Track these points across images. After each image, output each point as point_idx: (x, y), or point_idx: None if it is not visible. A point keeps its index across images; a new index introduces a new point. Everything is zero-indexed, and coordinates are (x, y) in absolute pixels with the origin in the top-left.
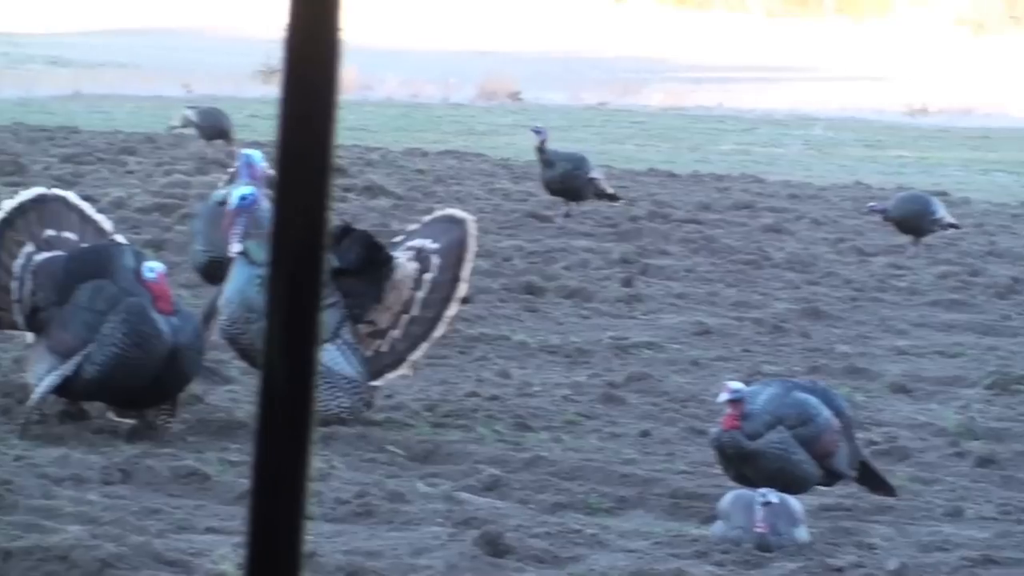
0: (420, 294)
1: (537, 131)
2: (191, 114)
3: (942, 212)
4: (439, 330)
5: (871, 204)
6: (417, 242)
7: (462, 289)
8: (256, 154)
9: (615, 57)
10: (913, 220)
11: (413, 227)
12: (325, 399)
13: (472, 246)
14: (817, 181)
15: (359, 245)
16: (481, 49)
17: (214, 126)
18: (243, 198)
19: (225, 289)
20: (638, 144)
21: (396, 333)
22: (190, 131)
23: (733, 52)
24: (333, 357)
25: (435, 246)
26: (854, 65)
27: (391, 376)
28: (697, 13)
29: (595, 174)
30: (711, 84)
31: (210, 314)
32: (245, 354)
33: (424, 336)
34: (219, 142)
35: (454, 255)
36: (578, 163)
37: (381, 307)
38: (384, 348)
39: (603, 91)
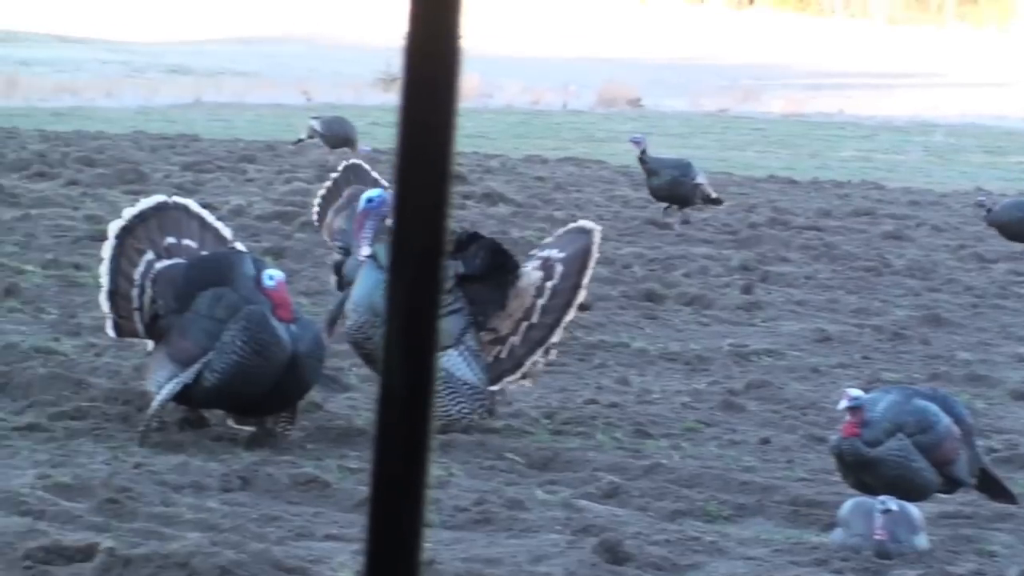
0: (541, 301)
1: (636, 140)
2: (316, 124)
3: (701, 179)
4: (556, 336)
5: (981, 198)
6: (545, 252)
7: (581, 296)
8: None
9: (735, 64)
10: (1016, 226)
11: (546, 240)
12: (447, 405)
13: (595, 254)
14: (937, 187)
15: (486, 252)
16: (601, 56)
17: (338, 134)
18: (370, 200)
19: (352, 293)
20: (758, 151)
21: (515, 339)
22: (315, 141)
23: (854, 58)
24: (456, 363)
25: (560, 255)
26: (975, 71)
27: (509, 382)
28: (818, 19)
29: (700, 179)
30: (831, 90)
31: (335, 318)
32: (370, 359)
33: (541, 341)
34: (344, 150)
35: (577, 262)
36: (684, 169)
37: (504, 314)
38: (503, 354)
39: (723, 98)
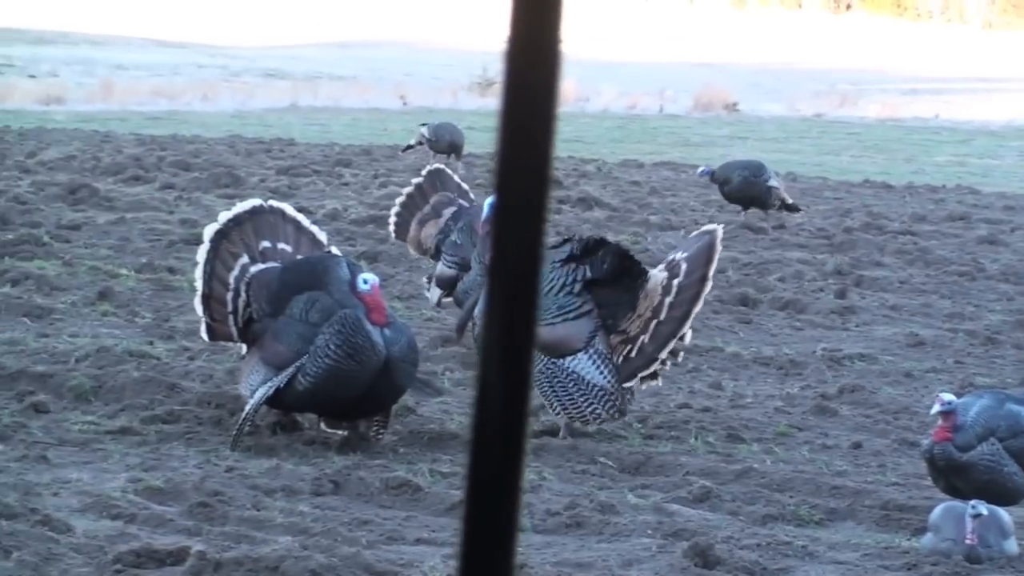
0: (669, 299)
1: (704, 173)
2: (424, 131)
3: (775, 182)
4: (686, 329)
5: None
6: (671, 256)
7: (708, 287)
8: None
9: (832, 68)
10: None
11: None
12: (580, 407)
13: (719, 248)
14: None
15: (612, 256)
16: (698, 60)
17: (445, 139)
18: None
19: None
20: (853, 155)
21: (645, 337)
22: (424, 147)
23: (950, 63)
24: (586, 367)
25: (684, 254)
26: None
27: (641, 378)
28: (914, 24)
29: (773, 182)
30: (927, 95)
31: (464, 323)
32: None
33: (672, 336)
34: (451, 156)
35: (702, 257)
36: (756, 170)
37: (633, 315)
38: (633, 353)
39: (819, 102)
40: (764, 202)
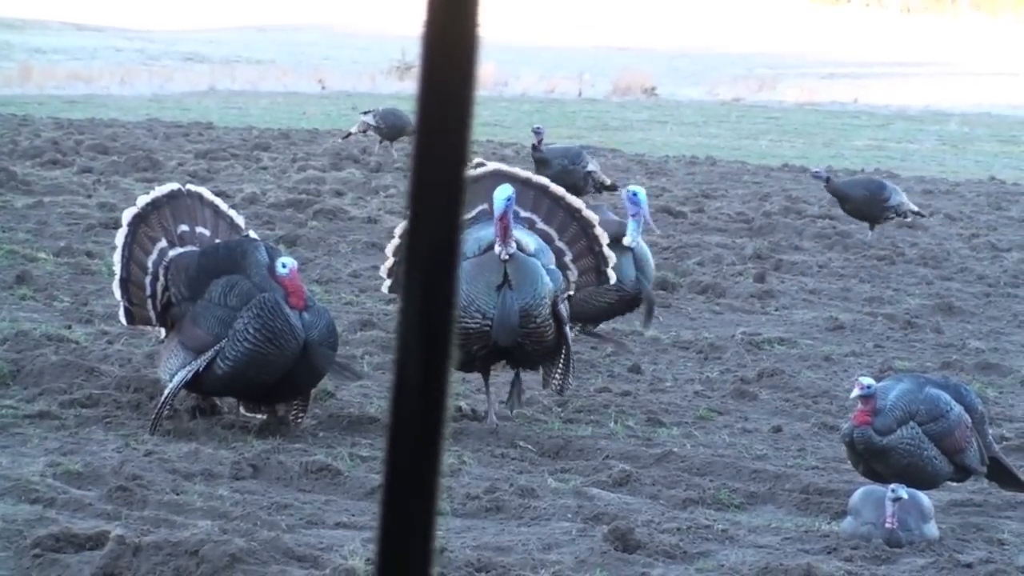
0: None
1: (536, 131)
2: (369, 118)
3: (897, 198)
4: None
5: (816, 169)
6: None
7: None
8: (642, 192)
9: (750, 53)
10: (864, 205)
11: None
12: (570, 378)
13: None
14: (951, 176)
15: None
16: (616, 45)
17: (395, 126)
18: (508, 199)
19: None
20: (772, 140)
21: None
22: (371, 135)
23: (868, 48)
24: (569, 337)
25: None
26: (989, 61)
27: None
28: (833, 9)
29: (592, 166)
30: (846, 80)
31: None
32: (543, 339)
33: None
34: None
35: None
36: (573, 158)
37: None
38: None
39: (738, 86)
40: (580, 190)
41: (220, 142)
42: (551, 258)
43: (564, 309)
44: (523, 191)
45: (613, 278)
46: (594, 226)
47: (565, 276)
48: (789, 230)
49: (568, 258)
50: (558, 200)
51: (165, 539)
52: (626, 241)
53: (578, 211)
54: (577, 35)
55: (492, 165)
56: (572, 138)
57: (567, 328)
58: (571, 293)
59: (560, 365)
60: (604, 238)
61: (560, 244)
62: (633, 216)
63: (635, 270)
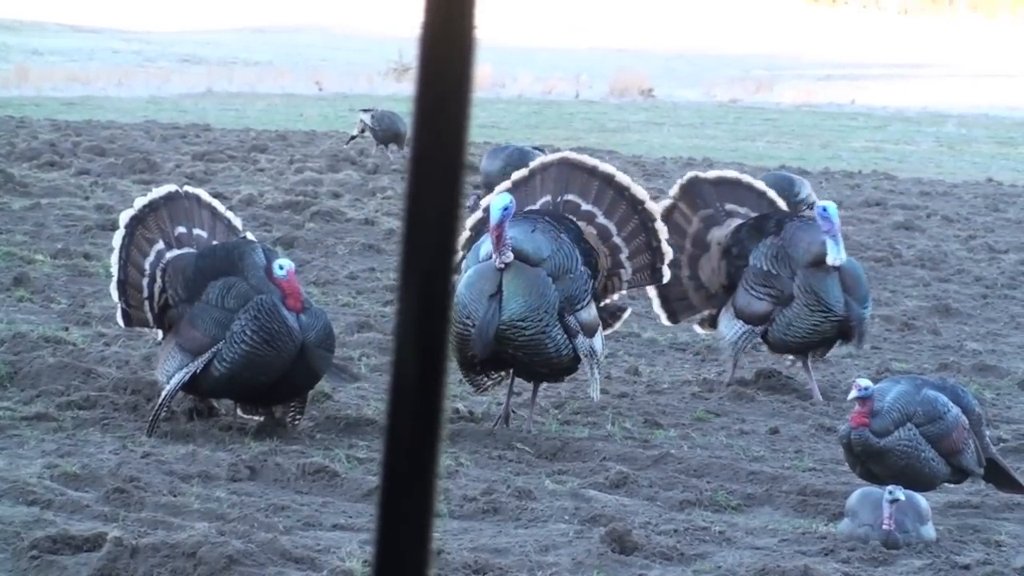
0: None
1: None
2: (366, 118)
3: (805, 191)
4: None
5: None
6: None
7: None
8: (832, 207)
9: (747, 54)
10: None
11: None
12: (598, 380)
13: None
14: (948, 178)
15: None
16: (614, 46)
17: (390, 129)
18: (506, 209)
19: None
20: (770, 141)
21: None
22: (367, 136)
23: (866, 49)
24: (599, 343)
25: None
26: (987, 62)
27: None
28: (830, 10)
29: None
30: (843, 81)
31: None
32: (538, 350)
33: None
34: (392, 146)
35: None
36: (516, 162)
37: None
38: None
39: (735, 88)
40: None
41: (217, 144)
42: (575, 262)
43: (576, 321)
44: (588, 181)
45: (667, 275)
46: (655, 219)
47: (613, 277)
48: None
49: (623, 255)
50: (622, 191)
51: (162, 541)
52: (830, 261)
53: (641, 203)
54: (574, 36)
55: (559, 153)
56: (569, 139)
57: (582, 339)
58: (620, 293)
59: (589, 375)
60: (663, 232)
61: (617, 240)
62: (828, 233)
63: (842, 292)
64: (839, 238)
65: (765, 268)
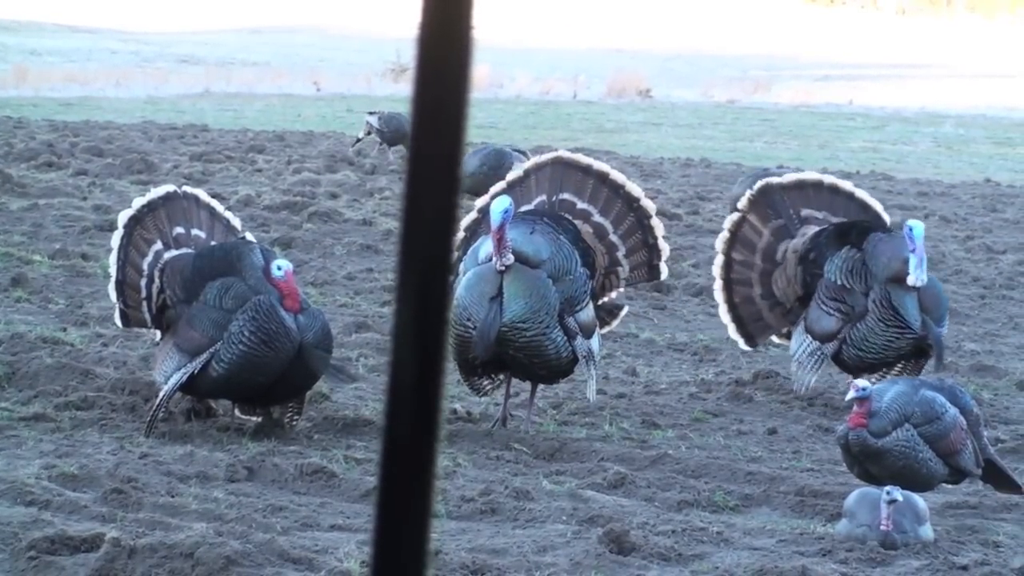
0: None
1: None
2: (373, 120)
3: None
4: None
5: None
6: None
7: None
8: (919, 227)
9: (745, 54)
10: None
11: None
12: (594, 381)
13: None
14: (946, 178)
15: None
16: (611, 46)
17: (398, 130)
18: (506, 211)
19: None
20: (767, 141)
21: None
22: (373, 138)
23: (864, 49)
24: (596, 344)
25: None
26: (985, 62)
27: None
28: (828, 10)
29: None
30: (841, 81)
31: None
32: (541, 351)
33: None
34: (399, 147)
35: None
36: (493, 162)
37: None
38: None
39: (733, 88)
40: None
41: (215, 144)
42: (574, 263)
43: (575, 322)
44: (583, 180)
45: (665, 272)
46: (651, 216)
47: (610, 275)
48: None
49: (620, 253)
50: (617, 189)
51: (160, 541)
52: (911, 281)
53: (636, 200)
54: (572, 37)
55: (553, 153)
56: (567, 140)
57: (580, 341)
58: (617, 291)
59: (586, 376)
60: (660, 229)
61: (613, 238)
62: (913, 253)
63: (920, 311)
64: (923, 259)
65: (839, 282)
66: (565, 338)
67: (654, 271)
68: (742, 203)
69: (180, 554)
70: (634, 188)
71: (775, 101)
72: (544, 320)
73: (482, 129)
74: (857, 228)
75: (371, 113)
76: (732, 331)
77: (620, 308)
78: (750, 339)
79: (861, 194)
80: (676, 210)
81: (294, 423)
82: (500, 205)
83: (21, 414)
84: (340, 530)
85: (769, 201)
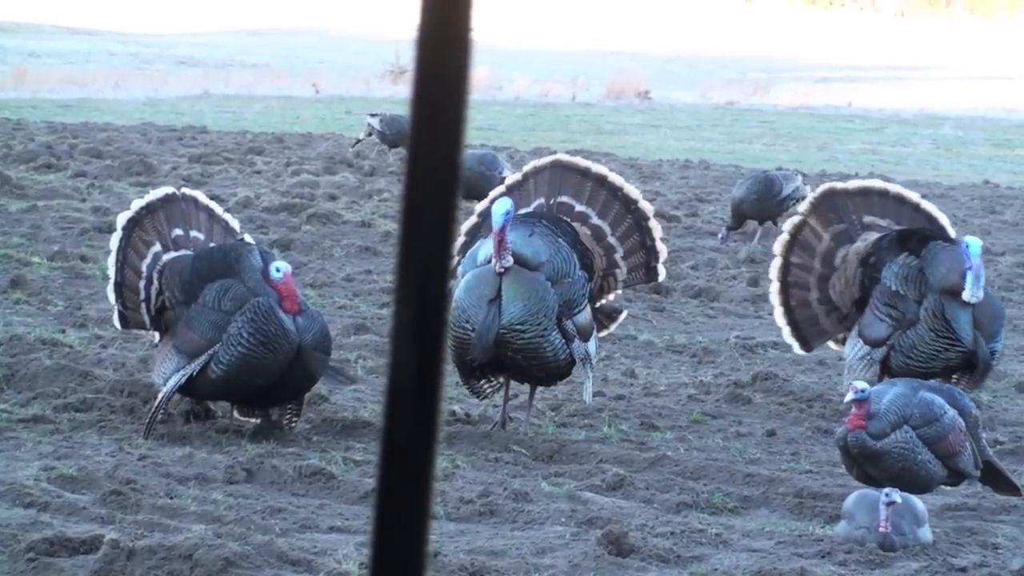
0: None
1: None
2: (375, 122)
3: (791, 187)
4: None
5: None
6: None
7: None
8: (975, 244)
9: (744, 56)
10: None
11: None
12: (590, 383)
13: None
14: (945, 180)
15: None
16: (610, 48)
17: (400, 133)
18: (507, 213)
19: (516, 302)
20: (767, 143)
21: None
22: (374, 139)
23: (862, 51)
24: (593, 347)
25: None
26: (984, 64)
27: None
28: (827, 12)
29: (507, 173)
30: (840, 83)
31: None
32: (538, 353)
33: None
34: (400, 149)
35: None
36: (489, 164)
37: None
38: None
39: (732, 90)
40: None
41: (214, 146)
42: (573, 266)
43: (573, 325)
44: (581, 183)
45: (663, 274)
46: (649, 218)
47: (608, 277)
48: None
49: (618, 255)
50: (615, 192)
51: (159, 543)
52: (965, 296)
53: (634, 203)
54: (571, 39)
55: (551, 156)
56: (566, 142)
57: (578, 343)
58: (616, 293)
59: (582, 379)
60: (658, 231)
61: (612, 240)
62: (970, 269)
63: (973, 327)
64: (980, 275)
65: (893, 288)
66: (563, 340)
67: (652, 273)
68: (803, 207)
69: (179, 556)
70: (632, 190)
71: (774, 103)
72: (542, 322)
73: (481, 131)
74: (918, 236)
75: (372, 115)
76: (787, 334)
77: (619, 312)
78: (805, 343)
79: (927, 205)
80: (675, 212)
81: (293, 425)
82: (502, 207)
83: (20, 416)
84: (339, 532)
85: (831, 206)
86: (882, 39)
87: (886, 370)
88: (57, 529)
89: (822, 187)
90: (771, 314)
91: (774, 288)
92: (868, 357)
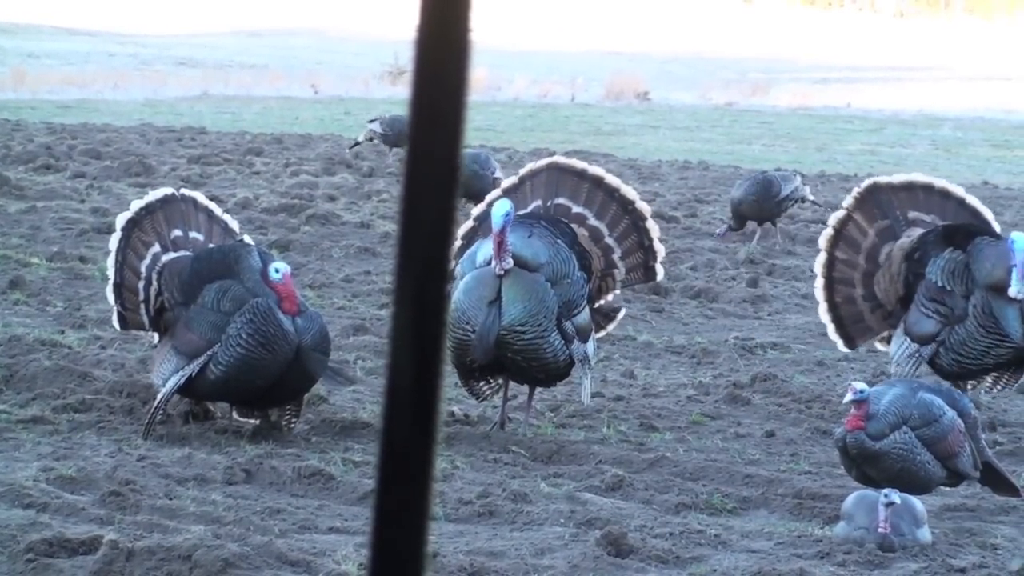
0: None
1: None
2: (376, 126)
3: (790, 187)
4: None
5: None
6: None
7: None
8: (1021, 239)
9: (743, 57)
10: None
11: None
12: (587, 384)
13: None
14: None
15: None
16: (609, 49)
17: (402, 132)
18: (507, 215)
19: (516, 303)
20: (765, 144)
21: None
22: (375, 142)
23: (861, 52)
24: (592, 349)
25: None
26: (983, 65)
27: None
28: (826, 13)
29: (499, 173)
30: (839, 84)
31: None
32: (540, 355)
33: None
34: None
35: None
36: (483, 163)
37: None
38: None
39: (731, 91)
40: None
41: (213, 147)
42: (572, 267)
43: (572, 326)
44: (578, 184)
45: (661, 273)
46: (646, 219)
47: (606, 278)
48: (782, 234)
49: (616, 256)
50: (612, 192)
51: (158, 544)
52: (1012, 293)
53: (631, 203)
54: (570, 39)
55: (548, 158)
56: (565, 143)
57: (577, 344)
58: (614, 293)
59: (580, 380)
60: (655, 231)
61: (609, 241)
62: (1016, 265)
63: (1022, 324)
64: None
65: (939, 283)
66: (563, 341)
67: (650, 272)
68: (847, 201)
69: (178, 556)
70: (629, 191)
71: (773, 104)
72: (543, 324)
73: (480, 132)
74: (964, 231)
75: (371, 120)
76: (831, 331)
77: (617, 311)
78: (849, 341)
79: (972, 200)
80: (674, 213)
81: (292, 425)
82: (501, 208)
83: (19, 416)
84: (338, 532)
85: (876, 201)
86: (881, 40)
87: (936, 369)
88: (56, 530)
89: (866, 181)
90: (769, 315)
91: (819, 284)
92: (916, 355)
